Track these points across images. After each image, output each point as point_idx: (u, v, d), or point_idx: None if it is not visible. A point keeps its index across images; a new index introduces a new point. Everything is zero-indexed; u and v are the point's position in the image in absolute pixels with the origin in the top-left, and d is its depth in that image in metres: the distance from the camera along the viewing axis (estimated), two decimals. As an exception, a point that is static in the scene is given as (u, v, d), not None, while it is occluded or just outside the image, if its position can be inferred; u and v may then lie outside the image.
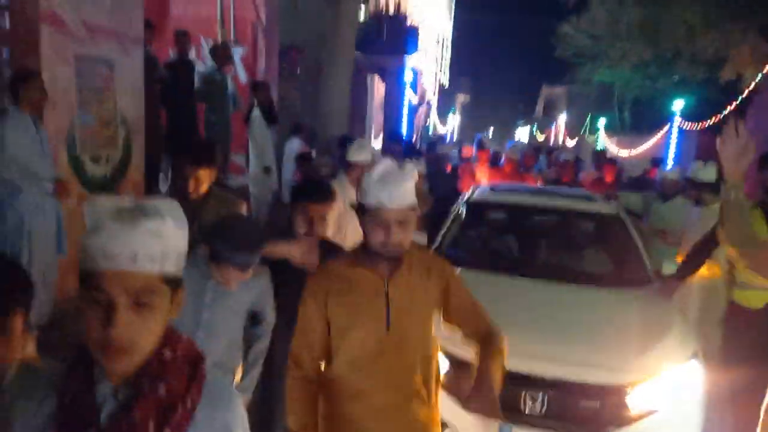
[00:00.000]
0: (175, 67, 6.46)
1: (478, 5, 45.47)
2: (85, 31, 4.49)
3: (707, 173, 4.54)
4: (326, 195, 2.42)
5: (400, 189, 1.73)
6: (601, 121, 18.24)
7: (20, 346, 1.21)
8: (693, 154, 10.03)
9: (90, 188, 4.71)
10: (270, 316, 2.36)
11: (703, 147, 9.87)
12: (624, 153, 14.93)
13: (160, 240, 0.96)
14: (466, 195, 4.88)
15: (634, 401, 2.89)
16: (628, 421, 2.87)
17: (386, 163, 1.81)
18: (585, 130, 23.12)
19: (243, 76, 8.11)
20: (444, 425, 2.83)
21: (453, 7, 29.08)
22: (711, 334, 3.65)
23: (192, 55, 7.11)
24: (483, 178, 7.10)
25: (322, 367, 1.93)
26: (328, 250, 2.41)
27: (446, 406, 2.71)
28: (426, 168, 5.74)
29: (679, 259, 4.03)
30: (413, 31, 11.66)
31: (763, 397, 2.36)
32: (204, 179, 2.77)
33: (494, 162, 7.92)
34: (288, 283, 2.29)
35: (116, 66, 4.89)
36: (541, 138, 35.88)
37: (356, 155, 3.81)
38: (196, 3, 7.70)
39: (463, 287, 2.00)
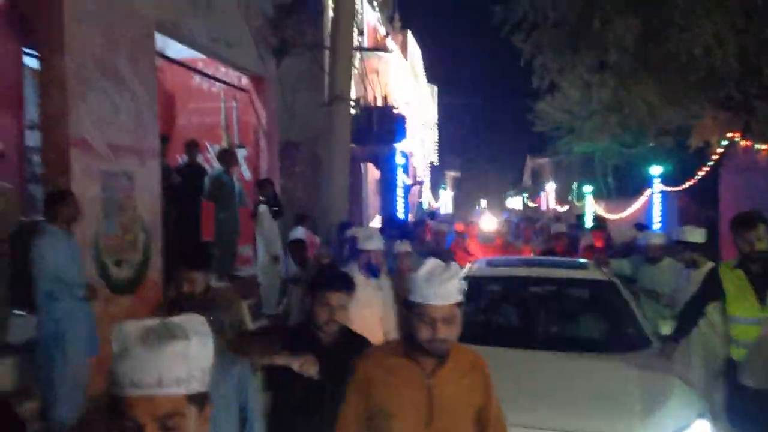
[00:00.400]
0: (185, 172, 6.99)
1: (459, 89, 48.18)
2: (108, 150, 5.00)
3: (696, 235, 4.56)
4: (347, 284, 2.48)
5: (447, 286, 1.76)
6: (587, 188, 18.95)
7: None
8: (675, 216, 10.52)
9: (114, 290, 5.04)
10: (255, 414, 2.22)
11: (683, 208, 10.35)
12: (614, 217, 15.46)
13: (186, 361, 0.97)
14: (465, 271, 4.89)
15: None
16: None
17: (433, 262, 1.86)
18: (573, 197, 23.83)
19: (247, 174, 8.69)
20: None
21: (436, 93, 30.84)
22: (715, 389, 3.77)
23: (200, 159, 7.69)
24: (476, 253, 7.24)
25: None
26: (350, 339, 2.46)
27: None
28: (413, 245, 5.81)
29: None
30: (401, 120, 12.48)
31: None
32: (198, 281, 2.72)
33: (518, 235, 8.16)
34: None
35: (135, 178, 5.38)
36: (532, 205, 36.77)
37: (367, 244, 4.09)
38: (201, 113, 8.38)
39: (495, 393, 1.97)
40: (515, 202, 47.28)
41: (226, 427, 2.09)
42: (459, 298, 1.81)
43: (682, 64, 6.53)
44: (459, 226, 8.75)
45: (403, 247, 5.33)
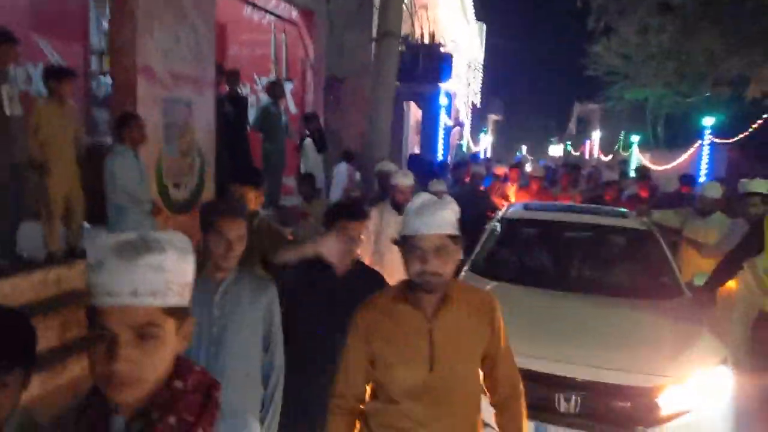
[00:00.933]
0: (232, 102, 7.25)
1: (508, 30, 46.22)
2: (170, 79, 5.28)
3: (759, 185, 4.45)
4: (361, 213, 2.48)
5: (437, 216, 1.70)
6: (635, 138, 18.44)
7: (17, 399, 1.29)
8: (723, 169, 10.26)
9: (173, 210, 5.46)
10: (278, 339, 2.26)
11: (733, 162, 10.07)
12: (658, 168, 15.13)
13: (162, 273, 0.97)
14: (501, 213, 5.11)
15: (665, 403, 3.01)
16: (659, 421, 2.98)
17: (425, 195, 1.82)
18: (619, 146, 23.24)
19: (293, 108, 8.91)
20: (485, 425, 3.17)
21: (484, 31, 29.80)
22: (741, 342, 3.85)
23: (245, 91, 7.92)
24: (513, 197, 7.20)
25: (366, 402, 1.90)
26: (365, 274, 2.47)
27: (485, 407, 3.09)
28: (451, 187, 5.90)
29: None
30: (447, 59, 12.31)
31: None
32: (251, 199, 2.82)
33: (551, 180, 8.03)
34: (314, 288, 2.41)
35: (194, 105, 5.68)
36: (575, 154, 35.95)
37: (396, 179, 4.24)
38: (251, 44, 8.54)
39: (503, 332, 1.92)
40: (557, 150, 46.27)
41: (252, 350, 2.14)
42: (451, 230, 1.73)
43: (749, 11, 6.26)
44: (499, 170, 8.64)
45: (439, 186, 5.34)
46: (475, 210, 5.87)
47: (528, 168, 11.29)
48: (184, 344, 1.04)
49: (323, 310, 2.35)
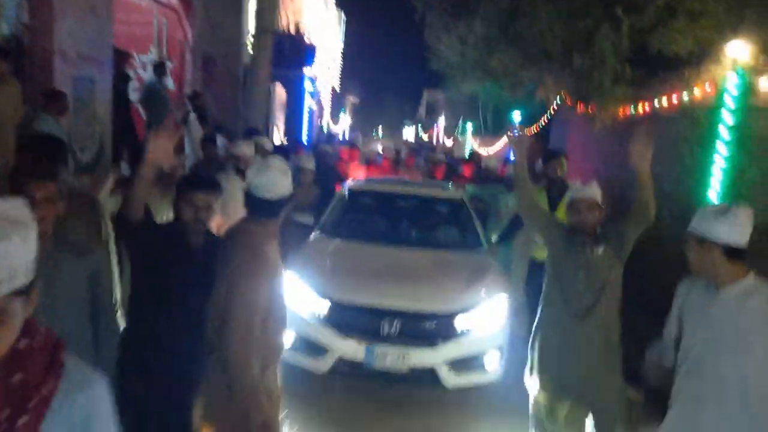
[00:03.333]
0: (122, 80, 8.08)
1: (365, 17, 48.43)
2: (78, 59, 6.17)
3: (538, 166, 5.06)
4: (208, 184, 2.47)
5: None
6: (469, 125, 21.64)
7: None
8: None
9: (79, 170, 6.36)
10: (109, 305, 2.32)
11: (531, 147, 13.05)
12: (485, 151, 18.23)
13: (7, 262, 0.94)
14: (347, 184, 6.00)
15: (459, 323, 3.94)
16: (454, 337, 3.91)
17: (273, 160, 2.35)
18: (458, 132, 26.55)
19: (171, 85, 9.80)
20: (324, 349, 3.91)
21: (343, 18, 31.55)
22: (520, 281, 4.82)
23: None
24: (360, 174, 7.94)
25: None
26: (215, 242, 2.43)
27: (323, 334, 3.91)
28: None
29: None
30: (311, 48, 13.79)
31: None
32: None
33: (396, 160, 9.18)
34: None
35: (96, 82, 6.58)
36: (425, 137, 39.49)
37: (236, 149, 4.80)
38: (133, 25, 9.27)
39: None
40: (410, 132, 49.97)
41: (72, 319, 2.06)
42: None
43: (532, 38, 8.73)
44: (343, 152, 9.12)
45: (308, 163, 5.85)
46: (325, 183, 6.47)
47: (380, 148, 13.21)
48: (30, 309, 1.03)
49: (176, 280, 2.34)
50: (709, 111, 5.59)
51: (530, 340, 3.05)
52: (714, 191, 5.36)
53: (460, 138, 24.90)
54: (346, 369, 3.92)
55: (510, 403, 3.89)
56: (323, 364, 3.90)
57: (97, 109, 6.66)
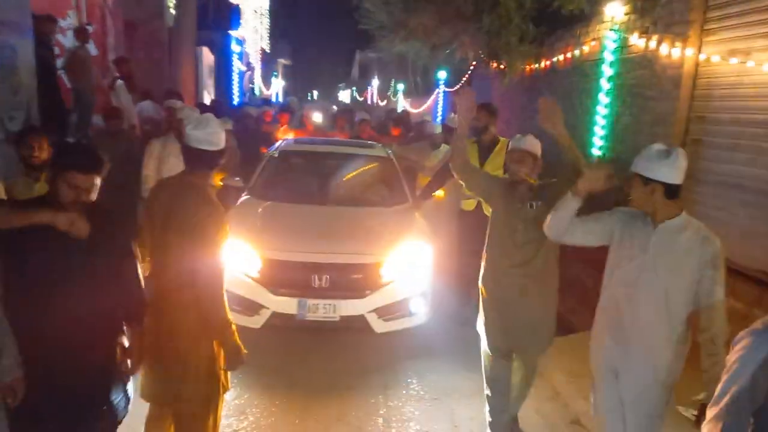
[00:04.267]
0: (44, 46, 8.00)
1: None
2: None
3: (454, 121, 5.19)
4: (92, 164, 2.13)
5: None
6: (400, 86, 22.11)
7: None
8: (450, 108, 13.96)
9: (6, 140, 6.43)
10: None
11: (454, 105, 13.80)
12: (415, 111, 18.83)
13: None
14: (275, 146, 5.93)
15: (385, 272, 4.16)
16: (381, 285, 4.12)
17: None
18: (390, 93, 26.97)
19: (94, 50, 9.68)
20: (261, 306, 4.02)
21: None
22: (443, 231, 5.09)
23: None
24: (288, 137, 7.55)
25: None
26: (100, 214, 2.20)
27: (257, 291, 4.03)
28: (234, 125, 6.24)
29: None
30: (236, 9, 13.70)
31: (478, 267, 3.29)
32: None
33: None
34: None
35: (18, 49, 6.58)
36: (360, 99, 39.63)
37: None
38: (49, -12, 9.05)
39: None
40: (345, 95, 49.76)
41: None
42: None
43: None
44: (267, 115, 9.27)
45: (226, 125, 5.74)
46: (252, 145, 6.66)
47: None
48: None
49: (57, 273, 2.10)
50: (594, 65, 6.38)
51: (478, 291, 3.26)
52: (597, 136, 6.19)
53: (392, 99, 25.36)
54: (280, 322, 4.08)
55: (436, 344, 4.36)
56: (258, 320, 4.06)
57: (21, 77, 6.68)
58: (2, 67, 6.34)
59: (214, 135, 2.44)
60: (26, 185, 3.09)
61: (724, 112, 4.48)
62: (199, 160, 2.45)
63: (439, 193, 5.17)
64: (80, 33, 8.32)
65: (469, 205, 4.81)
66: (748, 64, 3.98)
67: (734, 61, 4.14)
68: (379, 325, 4.11)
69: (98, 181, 2.16)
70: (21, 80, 6.72)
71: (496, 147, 4.66)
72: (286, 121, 8.89)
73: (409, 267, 4.22)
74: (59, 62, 8.33)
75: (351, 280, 4.09)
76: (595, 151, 6.17)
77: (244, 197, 5.07)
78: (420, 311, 4.25)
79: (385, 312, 4.12)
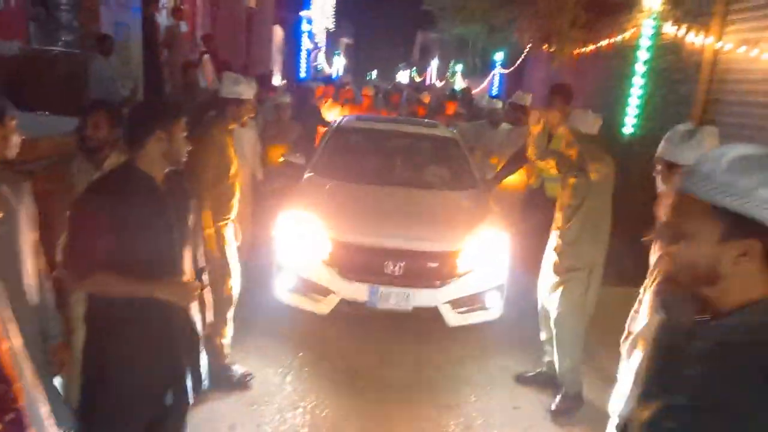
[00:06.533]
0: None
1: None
2: (116, 6, 7.41)
3: (523, 98, 5.45)
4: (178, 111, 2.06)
5: None
6: (458, 66, 22.67)
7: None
8: (505, 90, 14.53)
9: (121, 104, 7.72)
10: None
11: (510, 84, 14.34)
12: (475, 91, 19.45)
13: None
14: (336, 122, 5.64)
15: (461, 262, 3.85)
16: (458, 276, 3.84)
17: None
18: (449, 73, 27.49)
19: (185, 27, 10.95)
20: (329, 291, 3.78)
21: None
22: (515, 217, 4.63)
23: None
24: (334, 112, 7.70)
25: None
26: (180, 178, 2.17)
27: (326, 275, 3.77)
28: (293, 100, 6.09)
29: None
30: (307, -9, 14.72)
31: (543, 249, 3.38)
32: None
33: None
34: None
35: (130, 26, 7.83)
36: (418, 79, 40.21)
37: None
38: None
39: None
40: (404, 76, 50.39)
41: None
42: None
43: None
44: (319, 90, 8.76)
45: (284, 99, 5.88)
46: (310, 120, 6.58)
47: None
48: None
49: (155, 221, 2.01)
50: (632, 50, 6.95)
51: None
52: (630, 115, 6.80)
53: (450, 80, 25.91)
54: (350, 309, 3.85)
55: (511, 339, 4.11)
56: (326, 306, 3.83)
57: (132, 51, 7.94)
58: (118, 43, 7.59)
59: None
60: (86, 173, 2.60)
61: (733, 95, 5.06)
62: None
63: (513, 177, 4.87)
64: (176, 12, 9.54)
65: (535, 183, 4.54)
66: (752, 53, 4.57)
67: (742, 49, 4.73)
68: (452, 318, 3.87)
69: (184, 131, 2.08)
70: (131, 54, 7.97)
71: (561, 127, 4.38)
72: (330, 94, 8.63)
73: (486, 257, 3.96)
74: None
75: (426, 269, 3.84)
76: (627, 130, 6.79)
77: (307, 174, 4.80)
78: (496, 305, 3.99)
79: (459, 304, 3.88)
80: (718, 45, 5.18)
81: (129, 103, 8.14)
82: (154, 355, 2.00)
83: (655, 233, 1.97)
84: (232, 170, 3.22)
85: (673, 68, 5.98)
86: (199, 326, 2.22)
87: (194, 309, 2.18)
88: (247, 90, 3.15)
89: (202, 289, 2.22)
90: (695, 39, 5.44)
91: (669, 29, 6.09)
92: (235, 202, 3.27)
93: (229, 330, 3.32)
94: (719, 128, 5.16)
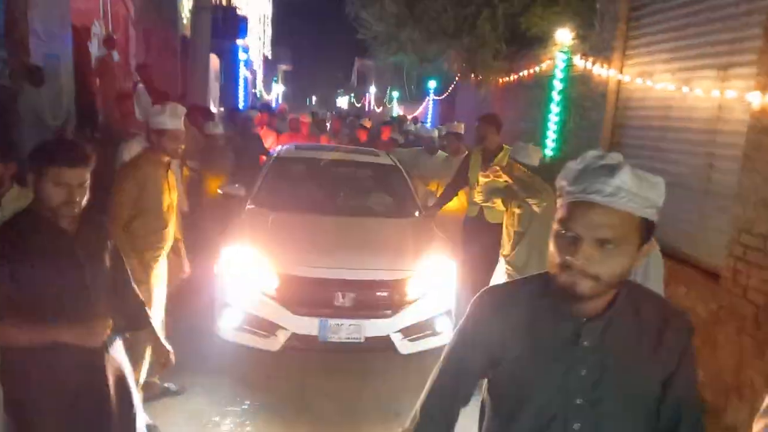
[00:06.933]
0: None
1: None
2: (46, 37, 7.32)
3: (459, 128, 5.94)
4: (79, 158, 1.92)
5: None
6: (395, 93, 23.37)
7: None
8: (438, 118, 15.20)
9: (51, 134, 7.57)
10: None
11: (443, 110, 15.03)
12: (409, 117, 20.01)
13: None
14: (275, 152, 5.60)
15: (410, 289, 3.85)
16: (408, 303, 3.82)
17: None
18: (387, 99, 28.20)
19: (117, 57, 10.85)
20: (278, 326, 3.67)
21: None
22: (458, 241, 4.82)
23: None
24: (270, 139, 8.10)
25: None
26: (93, 218, 2.10)
27: (274, 311, 3.63)
28: (226, 129, 6.29)
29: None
30: (243, 20, 14.91)
31: (489, 272, 3.60)
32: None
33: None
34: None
35: (60, 57, 7.73)
36: (358, 105, 40.90)
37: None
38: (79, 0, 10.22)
39: None
40: (344, 101, 51.08)
41: None
42: None
43: (431, 18, 10.52)
44: (258, 118, 9.09)
45: (214, 128, 6.10)
46: (248, 151, 6.68)
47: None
48: None
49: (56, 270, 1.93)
50: (548, 80, 7.57)
51: None
52: (550, 139, 7.38)
53: (388, 105, 26.59)
54: (300, 344, 3.75)
55: None
56: (275, 342, 3.73)
57: (62, 82, 7.83)
58: (47, 74, 7.48)
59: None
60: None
61: (635, 120, 5.66)
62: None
63: (452, 203, 5.10)
64: (108, 41, 9.48)
65: (473, 211, 4.75)
66: (647, 82, 5.16)
67: (639, 80, 5.33)
68: (404, 346, 3.84)
69: (88, 176, 1.96)
70: (62, 84, 7.85)
71: (499, 154, 4.70)
72: (266, 122, 8.96)
73: (434, 283, 3.97)
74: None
75: (376, 298, 3.80)
76: (548, 151, 7.35)
77: (249, 206, 4.71)
78: (445, 330, 3.96)
79: (410, 332, 3.86)
80: (620, 76, 5.79)
81: (59, 134, 8.02)
82: (71, 401, 1.96)
83: None
84: (165, 201, 3.24)
85: (584, 97, 6.58)
86: (127, 370, 2.19)
87: (119, 351, 2.15)
88: (169, 120, 3.12)
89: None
90: (601, 71, 6.05)
91: (578, 62, 6.71)
92: (168, 234, 3.29)
93: (145, 365, 3.20)
94: (624, 150, 5.85)
